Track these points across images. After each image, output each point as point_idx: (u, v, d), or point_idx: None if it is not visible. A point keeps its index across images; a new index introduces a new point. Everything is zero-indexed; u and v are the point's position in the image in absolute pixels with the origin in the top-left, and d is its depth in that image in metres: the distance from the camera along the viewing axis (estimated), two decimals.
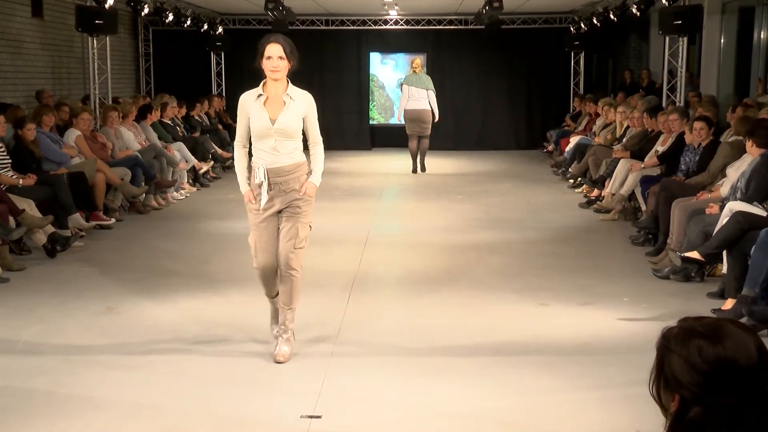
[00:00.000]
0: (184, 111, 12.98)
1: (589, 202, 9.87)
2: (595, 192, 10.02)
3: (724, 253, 5.85)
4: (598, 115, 12.88)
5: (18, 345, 4.93)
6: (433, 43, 16.60)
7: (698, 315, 1.75)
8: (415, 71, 13.29)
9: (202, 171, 11.78)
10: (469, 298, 6.00)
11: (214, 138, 13.20)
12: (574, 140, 12.42)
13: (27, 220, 7.04)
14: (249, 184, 4.58)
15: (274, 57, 4.56)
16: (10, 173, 7.70)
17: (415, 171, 13.23)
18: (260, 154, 4.54)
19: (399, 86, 15.08)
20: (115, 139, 9.99)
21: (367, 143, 16.95)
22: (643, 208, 8.38)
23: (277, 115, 4.49)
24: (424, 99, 13.06)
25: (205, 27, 15.01)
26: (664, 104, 10.96)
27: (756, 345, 1.64)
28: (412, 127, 13.08)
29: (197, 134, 12.79)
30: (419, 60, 13.71)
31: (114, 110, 10.21)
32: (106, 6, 10.49)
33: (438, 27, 16.29)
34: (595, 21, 13.97)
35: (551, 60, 16.39)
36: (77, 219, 7.99)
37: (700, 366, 1.61)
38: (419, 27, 16.33)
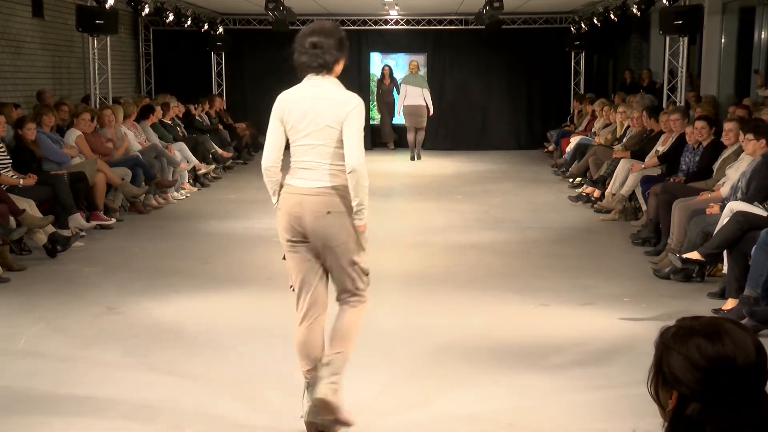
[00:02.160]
0: (182, 109, 12.94)
1: (579, 198, 9.96)
2: (590, 189, 10.05)
3: (725, 253, 5.84)
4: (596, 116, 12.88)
5: (18, 345, 4.93)
6: (433, 43, 16.60)
7: (696, 315, 1.76)
8: (412, 72, 15.06)
9: (201, 172, 11.77)
10: (470, 298, 5.99)
11: (215, 138, 13.21)
12: (574, 140, 12.41)
13: (27, 220, 7.03)
14: None
15: None
16: (11, 173, 7.70)
17: (413, 159, 14.84)
18: None
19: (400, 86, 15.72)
20: (115, 139, 9.98)
21: (368, 143, 16.92)
22: (644, 208, 8.38)
23: None
24: (420, 96, 14.79)
25: (206, 27, 15.01)
26: (664, 104, 10.95)
27: (754, 344, 1.65)
28: (410, 121, 14.87)
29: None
30: (416, 62, 15.33)
31: (109, 110, 10.17)
32: (107, 6, 10.48)
33: (438, 27, 16.28)
34: (595, 21, 13.97)
35: (552, 60, 16.38)
36: (78, 219, 7.99)
37: (700, 363, 1.63)
38: (419, 27, 16.33)
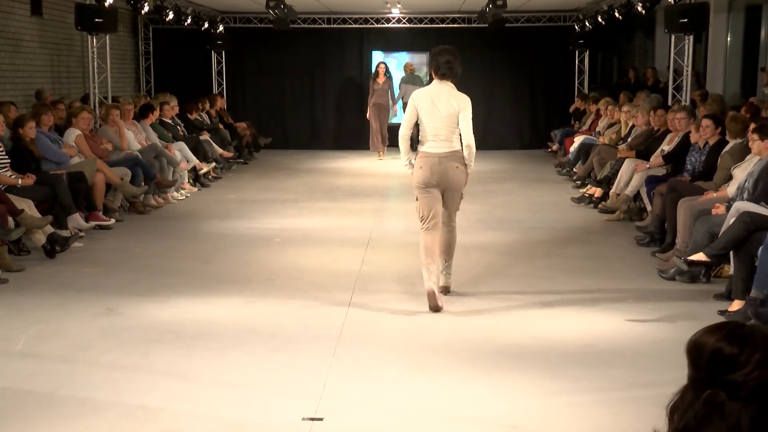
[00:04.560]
0: (177, 108, 12.87)
1: (582, 199, 9.97)
2: (593, 190, 10.05)
3: (731, 253, 5.84)
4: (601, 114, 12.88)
5: (17, 346, 4.94)
6: (435, 41, 16.40)
7: (738, 321, 1.81)
8: (412, 72, 15.84)
9: (202, 172, 11.77)
10: (472, 299, 5.99)
11: (215, 138, 13.19)
12: (578, 140, 12.41)
13: (26, 220, 7.04)
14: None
15: None
16: (9, 173, 7.71)
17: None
18: None
19: (399, 86, 15.66)
20: (116, 138, 9.99)
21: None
22: (649, 208, 8.37)
23: None
24: None
25: (206, 25, 15.02)
26: (669, 103, 10.94)
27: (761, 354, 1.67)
28: None
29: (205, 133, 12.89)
30: (412, 64, 16.13)
31: (115, 108, 10.22)
32: (106, 4, 10.49)
33: (441, 25, 16.28)
34: (599, 19, 13.96)
35: (555, 59, 16.38)
36: (77, 219, 7.99)
37: (701, 358, 1.71)
38: (422, 25, 16.33)
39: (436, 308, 5.59)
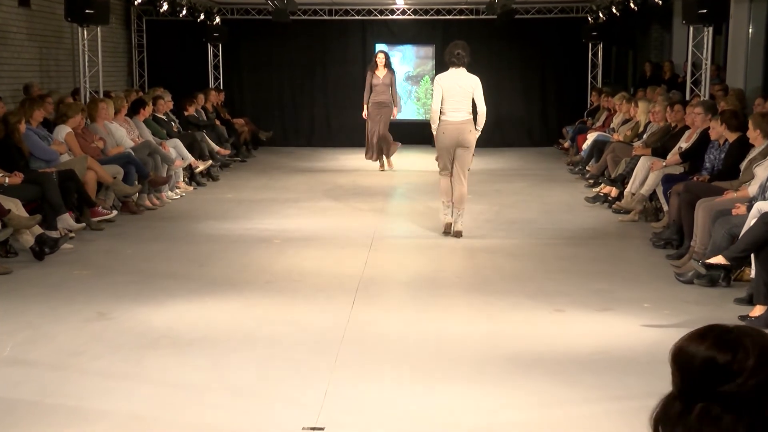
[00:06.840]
0: (171, 104, 12.86)
1: (597, 198, 9.96)
2: (607, 189, 10.03)
3: (752, 256, 5.82)
4: (616, 110, 12.86)
5: (4, 352, 4.95)
6: (442, 34, 16.55)
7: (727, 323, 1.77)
8: None
9: (198, 170, 11.77)
10: (480, 303, 6.00)
11: (211, 134, 13.18)
12: (591, 137, 12.40)
13: (13, 220, 7.05)
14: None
15: None
16: None
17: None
18: None
19: (406, 79, 15.51)
20: (105, 135, 10.00)
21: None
22: (665, 208, 8.36)
23: None
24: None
25: (202, 17, 15.04)
26: (687, 98, 10.92)
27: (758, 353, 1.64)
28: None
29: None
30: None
31: (102, 103, 10.22)
32: None
33: (447, 17, 16.28)
34: (614, 10, 13.96)
35: (567, 52, 16.37)
36: (66, 219, 7.99)
37: (691, 368, 1.66)
38: (427, 17, 16.33)
39: (450, 234, 8.03)
